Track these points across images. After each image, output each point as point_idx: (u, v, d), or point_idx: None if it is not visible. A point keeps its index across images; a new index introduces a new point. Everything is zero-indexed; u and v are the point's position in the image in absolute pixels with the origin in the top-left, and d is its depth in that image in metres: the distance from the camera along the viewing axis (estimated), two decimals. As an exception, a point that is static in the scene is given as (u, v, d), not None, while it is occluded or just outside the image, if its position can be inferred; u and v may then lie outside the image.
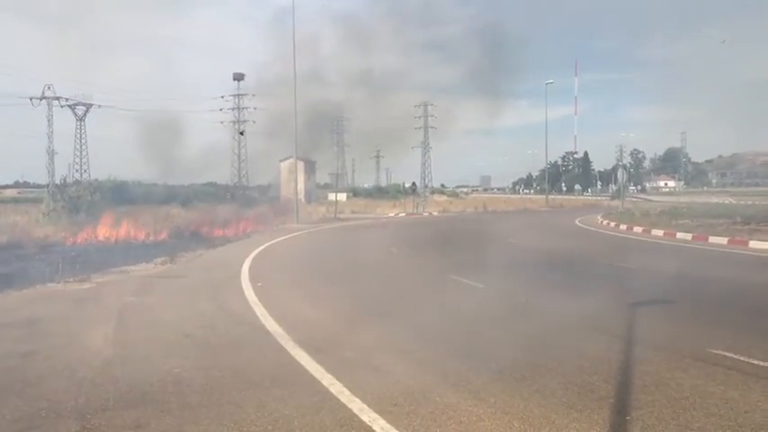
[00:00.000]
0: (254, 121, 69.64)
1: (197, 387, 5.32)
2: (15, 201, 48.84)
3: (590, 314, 8.35)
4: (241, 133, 33.82)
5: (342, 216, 41.34)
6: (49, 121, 67.57)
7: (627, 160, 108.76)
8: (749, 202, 45.98)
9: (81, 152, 70.14)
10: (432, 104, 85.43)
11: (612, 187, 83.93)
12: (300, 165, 48.80)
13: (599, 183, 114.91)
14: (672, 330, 7.31)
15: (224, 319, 8.35)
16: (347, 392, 5.09)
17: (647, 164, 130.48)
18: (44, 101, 66.41)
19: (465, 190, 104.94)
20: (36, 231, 20.67)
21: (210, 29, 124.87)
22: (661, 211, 35.58)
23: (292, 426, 4.43)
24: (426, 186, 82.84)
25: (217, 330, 7.63)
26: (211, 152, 76.90)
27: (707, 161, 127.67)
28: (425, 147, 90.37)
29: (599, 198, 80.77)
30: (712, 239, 19.58)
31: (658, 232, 23.21)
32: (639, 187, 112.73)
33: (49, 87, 66.11)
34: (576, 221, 33.84)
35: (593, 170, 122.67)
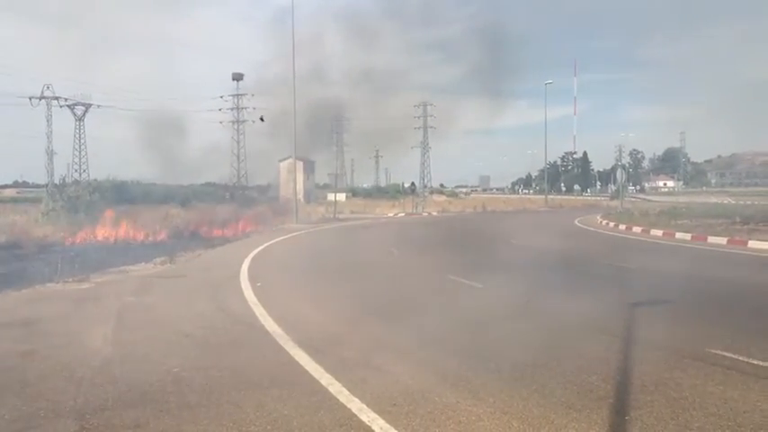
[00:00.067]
0: (254, 121, 69.74)
1: (196, 387, 5.32)
2: (14, 200, 48.83)
3: (589, 314, 8.35)
4: (261, 119, 33.87)
5: (341, 216, 41.33)
6: (48, 120, 67.64)
7: (626, 160, 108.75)
8: (748, 202, 46.02)
9: (80, 152, 70.19)
10: (431, 104, 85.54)
11: (612, 187, 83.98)
12: (300, 165, 48.84)
13: (598, 183, 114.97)
14: (671, 330, 7.32)
15: (223, 319, 8.34)
16: (346, 392, 5.09)
17: (646, 164, 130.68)
18: (43, 101, 66.48)
19: (464, 190, 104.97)
20: (35, 231, 20.65)
21: (210, 29, 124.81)
22: (660, 211, 35.59)
23: (291, 425, 4.43)
24: (425, 186, 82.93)
25: (216, 330, 7.62)
26: (210, 152, 76.99)
27: (706, 161, 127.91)
28: (425, 147, 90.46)
29: (598, 198, 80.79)
30: (711, 239, 19.59)
31: (657, 232, 23.23)
32: (638, 187, 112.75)
33: (48, 87, 66.18)
34: (576, 221, 33.85)
35: (593, 170, 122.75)
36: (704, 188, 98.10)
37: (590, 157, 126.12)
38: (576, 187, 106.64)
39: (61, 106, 67.82)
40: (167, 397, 5.05)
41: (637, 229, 25.05)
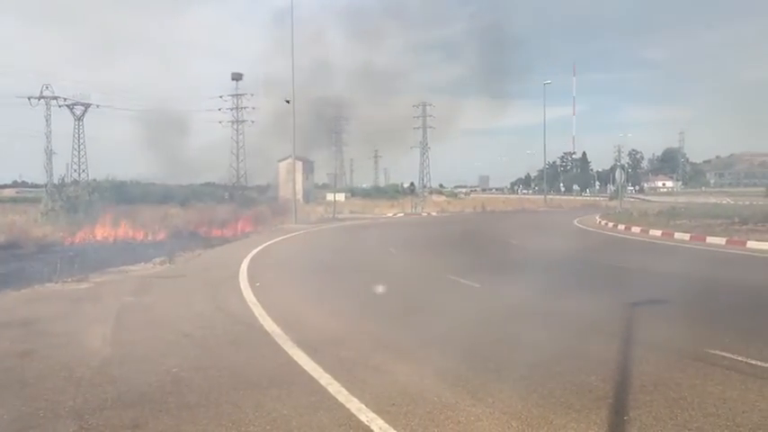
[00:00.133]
0: (253, 121, 69.83)
1: (195, 387, 5.31)
2: (13, 200, 48.82)
3: (588, 314, 8.36)
4: (287, 101, 33.70)
5: (340, 216, 41.35)
6: (47, 120, 67.73)
7: (625, 160, 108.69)
8: (747, 203, 46.03)
9: (79, 152, 70.31)
10: (430, 104, 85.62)
11: (611, 187, 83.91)
12: (299, 165, 48.85)
13: (597, 183, 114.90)
14: (670, 330, 7.32)
15: (222, 319, 8.34)
16: (345, 392, 5.09)
17: (645, 164, 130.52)
18: (42, 100, 66.54)
19: (463, 190, 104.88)
20: (34, 231, 20.63)
21: (210, 28, 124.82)
22: (659, 211, 35.59)
23: (290, 425, 4.43)
24: (424, 186, 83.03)
25: (215, 330, 7.62)
26: (210, 152, 76.94)
27: (705, 161, 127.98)
28: (424, 147, 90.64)
29: (597, 198, 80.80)
30: (710, 239, 19.60)
31: (656, 232, 23.24)
32: (637, 187, 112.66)
33: (47, 87, 66.26)
34: (575, 221, 33.87)
35: (592, 170, 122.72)
36: (703, 188, 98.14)
37: (589, 157, 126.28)
38: (576, 187, 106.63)
39: (60, 106, 67.97)
40: (166, 397, 5.05)
41: (636, 230, 25.07)
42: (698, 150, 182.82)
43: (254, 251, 18.21)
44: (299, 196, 46.44)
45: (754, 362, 5.83)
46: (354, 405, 4.79)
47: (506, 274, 12.56)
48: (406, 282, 12.21)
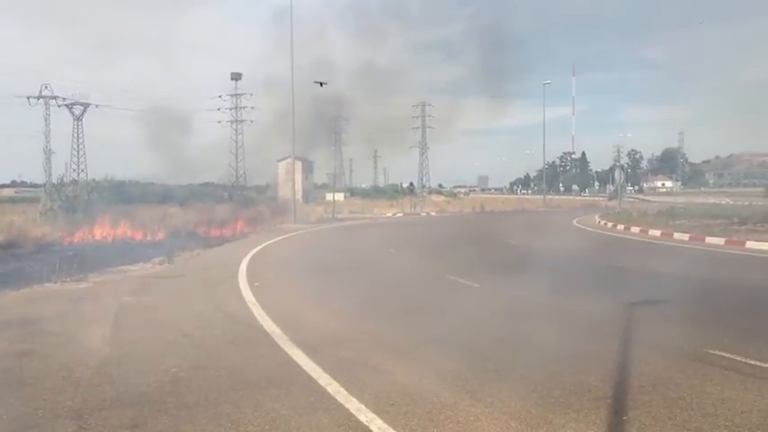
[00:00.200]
0: (252, 121, 69.84)
1: (194, 387, 5.31)
2: (12, 200, 48.79)
3: (587, 314, 8.37)
4: (321, 84, 33.60)
5: (339, 216, 41.34)
6: (46, 120, 67.72)
7: (624, 161, 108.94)
8: (746, 203, 46.05)
9: (78, 152, 70.32)
10: (429, 104, 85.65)
11: (610, 187, 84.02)
12: (298, 165, 48.84)
13: (596, 183, 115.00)
14: (669, 330, 7.32)
15: (221, 319, 8.34)
16: (344, 392, 5.09)
17: (644, 164, 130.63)
18: (41, 100, 66.50)
19: (463, 190, 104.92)
20: (33, 231, 20.60)
21: (209, 28, 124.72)
22: (658, 211, 35.61)
23: (289, 425, 4.43)
24: (424, 186, 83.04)
25: (214, 330, 7.61)
26: (209, 152, 76.91)
27: (704, 162, 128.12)
28: (423, 147, 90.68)
29: (596, 198, 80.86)
30: (709, 240, 19.61)
31: (655, 232, 23.25)
32: (637, 187, 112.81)
33: (46, 86, 66.23)
34: (574, 221, 33.88)
35: (591, 170, 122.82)
36: (702, 188, 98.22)
37: (588, 157, 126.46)
38: (575, 187, 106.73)
39: (59, 106, 67.98)
40: (165, 397, 5.05)
41: (635, 230, 25.08)
42: (697, 150, 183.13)
43: (254, 251, 18.20)
44: (299, 196, 46.42)
45: (752, 362, 5.84)
46: (353, 405, 4.79)
47: (506, 275, 12.56)
48: (405, 281, 12.21)
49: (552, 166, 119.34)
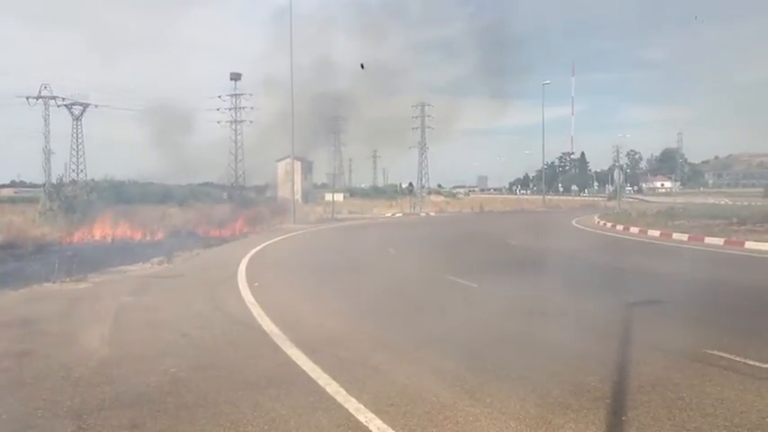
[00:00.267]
0: (251, 121, 69.82)
1: (193, 387, 5.31)
2: (12, 200, 48.69)
3: (586, 314, 8.38)
4: (362, 66, 33.60)
5: (339, 216, 41.34)
6: (45, 120, 67.66)
7: (623, 161, 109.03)
8: (745, 203, 46.10)
9: (77, 152, 70.27)
10: (429, 105, 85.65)
11: (609, 188, 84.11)
12: (297, 165, 48.78)
13: (596, 183, 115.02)
14: (668, 330, 7.33)
15: (221, 319, 8.34)
16: (343, 392, 5.09)
17: (643, 164, 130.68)
18: (41, 100, 66.44)
19: (462, 190, 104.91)
20: (32, 231, 20.60)
21: (210, 28, 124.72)
22: (657, 211, 35.60)
23: (289, 426, 4.43)
24: (423, 187, 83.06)
25: (213, 330, 7.61)
26: (208, 152, 76.89)
27: (703, 162, 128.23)
28: (422, 147, 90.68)
29: (596, 198, 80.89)
30: (708, 240, 19.61)
31: (655, 233, 23.25)
32: (636, 188, 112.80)
33: (45, 87, 66.16)
34: (573, 222, 33.88)
35: (590, 171, 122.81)
36: (701, 189, 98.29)
37: (588, 157, 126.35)
38: (574, 188, 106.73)
39: (59, 106, 67.92)
40: (164, 397, 5.05)
41: (634, 230, 25.09)
42: (696, 151, 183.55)
43: (253, 251, 18.20)
44: (298, 196, 46.42)
45: (752, 362, 5.84)
46: (353, 405, 4.79)
47: (505, 275, 12.57)
48: (404, 282, 12.21)
49: (551, 166, 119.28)
